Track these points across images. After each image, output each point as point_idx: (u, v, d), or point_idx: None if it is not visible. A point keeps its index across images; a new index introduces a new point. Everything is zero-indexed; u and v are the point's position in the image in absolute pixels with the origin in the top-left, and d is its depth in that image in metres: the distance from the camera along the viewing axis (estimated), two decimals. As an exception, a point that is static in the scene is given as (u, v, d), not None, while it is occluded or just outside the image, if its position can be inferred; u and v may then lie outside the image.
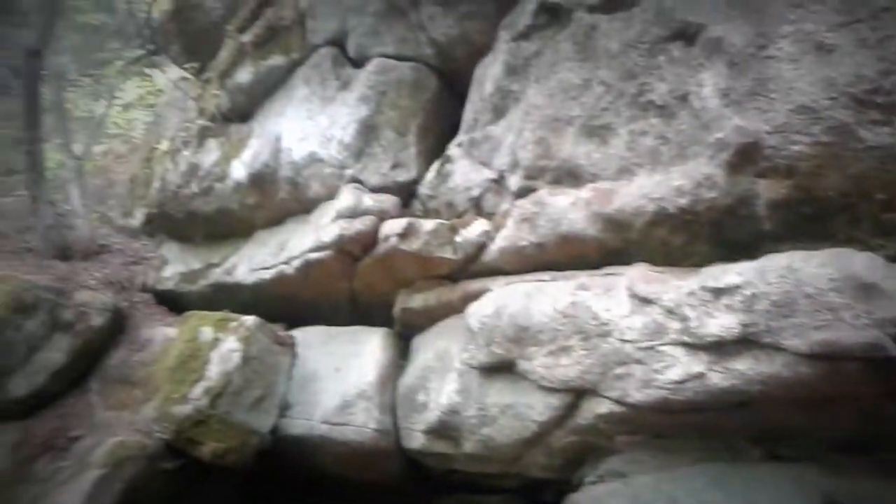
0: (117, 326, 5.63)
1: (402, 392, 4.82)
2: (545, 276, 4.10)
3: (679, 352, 3.35)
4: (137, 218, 6.93)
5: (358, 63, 5.47)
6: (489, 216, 4.56)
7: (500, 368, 4.08)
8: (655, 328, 3.42)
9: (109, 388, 5.32)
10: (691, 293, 3.35)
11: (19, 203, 7.02)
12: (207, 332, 5.21)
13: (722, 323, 3.20)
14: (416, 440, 4.62)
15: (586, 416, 3.71)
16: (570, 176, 4.08)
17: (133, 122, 9.13)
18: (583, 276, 3.87)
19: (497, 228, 4.41)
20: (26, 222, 6.61)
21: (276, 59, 5.80)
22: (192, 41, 6.78)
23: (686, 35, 3.66)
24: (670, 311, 3.39)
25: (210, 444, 4.80)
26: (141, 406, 5.08)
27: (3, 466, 4.89)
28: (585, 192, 3.94)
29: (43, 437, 4.94)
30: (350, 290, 5.29)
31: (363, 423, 4.77)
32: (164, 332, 5.57)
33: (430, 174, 5.04)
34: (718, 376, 3.21)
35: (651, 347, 3.42)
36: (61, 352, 5.30)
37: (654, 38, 3.78)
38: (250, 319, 5.23)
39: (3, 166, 9.08)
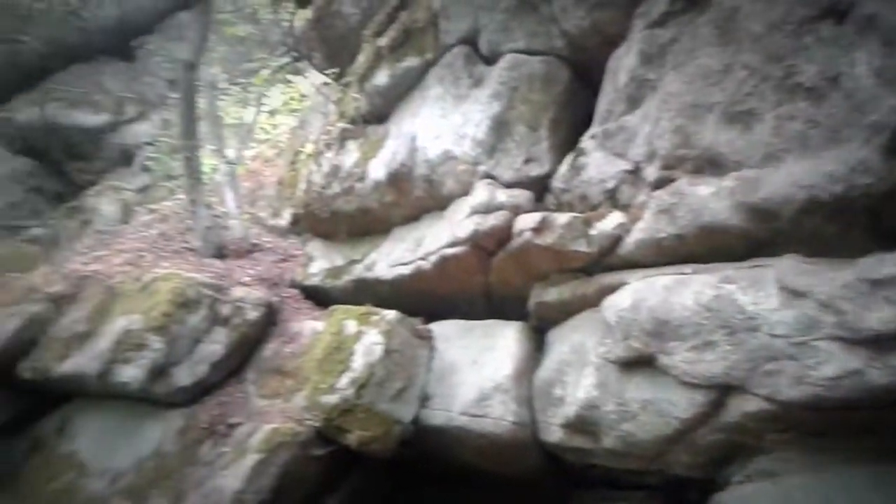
0: (270, 320, 6.01)
1: (539, 385, 4.84)
2: (686, 268, 3.99)
3: (834, 347, 3.18)
4: (285, 218, 7.34)
5: (490, 60, 5.53)
6: (624, 208, 4.48)
7: (639, 363, 4.01)
8: (808, 322, 3.25)
9: (264, 377, 5.69)
10: (846, 285, 3.16)
11: (179, 206, 7.62)
12: (351, 326, 5.46)
13: (881, 316, 3.00)
14: (553, 434, 4.62)
15: (733, 413, 3.58)
16: (711, 165, 3.94)
17: (279, 127, 9.64)
18: (728, 269, 3.74)
19: (633, 220, 4.33)
20: (186, 224, 7.17)
21: (411, 61, 5.96)
22: (332, 47, 7.11)
23: (835, 13, 3.45)
24: (824, 305, 3.21)
25: (356, 433, 5.03)
26: (292, 395, 5.40)
27: (172, 450, 5.36)
28: (728, 181, 3.79)
29: (206, 424, 5.36)
30: (485, 284, 5.36)
31: (500, 416, 4.83)
32: (312, 326, 5.89)
33: (563, 167, 5.01)
34: (877, 373, 3.03)
35: (804, 342, 3.26)
36: (221, 344, 5.73)
37: (801, 17, 3.58)
38: (391, 314, 5.43)
39: (163, 172, 9.91)
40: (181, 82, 6.96)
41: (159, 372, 5.49)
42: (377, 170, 5.93)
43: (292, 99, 9.47)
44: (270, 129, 9.54)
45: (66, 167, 11.84)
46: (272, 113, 9.65)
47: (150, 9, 9.94)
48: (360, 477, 5.49)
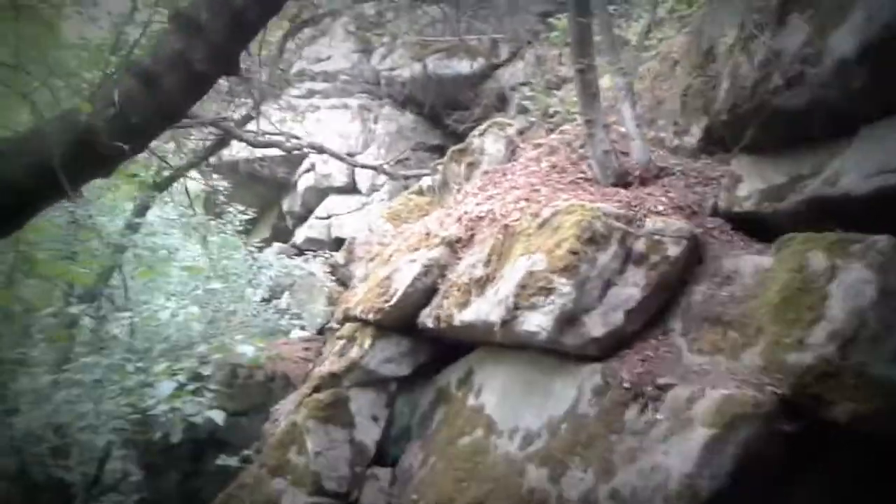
0: (694, 256, 4.78)
1: None
2: None
3: None
4: (693, 134, 6.01)
5: None
6: None
7: None
8: None
9: (695, 328, 4.50)
10: None
11: (568, 138, 6.75)
12: (819, 259, 3.97)
13: None
14: None
15: None
16: None
17: (664, 41, 8.26)
18: None
19: None
20: (578, 154, 6.26)
21: None
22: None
23: None
24: None
25: (844, 404, 3.61)
26: (740, 351, 4.12)
27: (589, 412, 4.48)
28: None
29: (628, 383, 4.36)
30: None
31: None
32: (755, 262, 4.51)
33: None
34: None
35: None
36: (636, 286, 4.68)
37: None
38: (882, 240, 3.82)
39: (541, 111, 9.20)
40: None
41: (568, 320, 4.63)
42: (844, 43, 4.25)
43: (680, 2, 8.01)
44: (656, 43, 8.19)
45: (446, 119, 11.96)
46: (656, 25, 8.30)
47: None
48: (838, 460, 4.03)
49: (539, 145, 7.13)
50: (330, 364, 6.39)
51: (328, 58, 13.40)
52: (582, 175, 5.88)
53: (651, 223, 4.84)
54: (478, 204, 6.36)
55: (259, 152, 13.24)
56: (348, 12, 12.17)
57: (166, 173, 9.54)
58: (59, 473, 5.14)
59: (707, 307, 4.50)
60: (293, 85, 12.71)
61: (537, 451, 4.63)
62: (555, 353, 4.90)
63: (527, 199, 5.63)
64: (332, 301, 9.46)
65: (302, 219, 13.88)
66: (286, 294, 10.65)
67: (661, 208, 5.07)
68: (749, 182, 5.18)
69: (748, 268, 4.52)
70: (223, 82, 10.29)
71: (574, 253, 4.65)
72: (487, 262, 5.47)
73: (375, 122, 12.78)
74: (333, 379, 6.19)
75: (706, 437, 3.65)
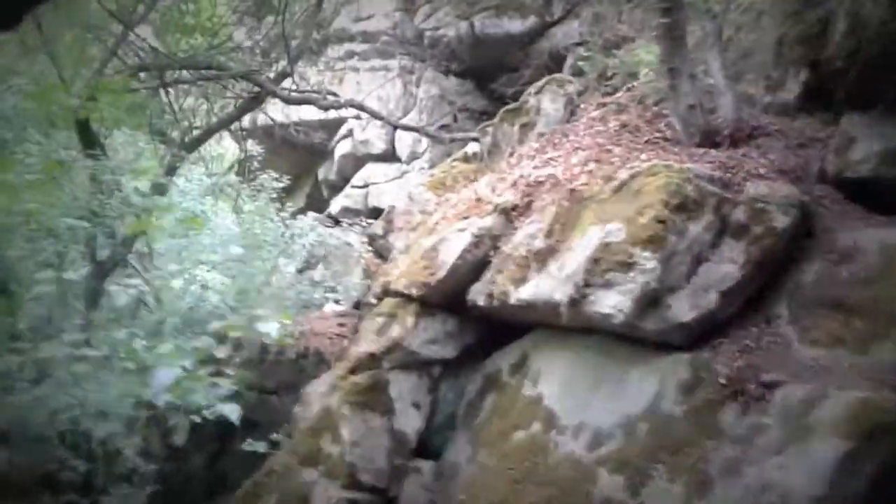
0: (804, 229, 4.03)
1: None
2: None
3: None
4: (789, 90, 5.18)
5: None
6: None
7: None
8: None
9: (807, 314, 3.76)
10: None
11: (638, 94, 5.97)
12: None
13: None
14: None
15: None
16: None
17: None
18: None
19: None
20: (653, 112, 5.49)
21: None
22: None
23: None
24: None
25: None
26: (869, 344, 3.38)
27: (676, 411, 3.78)
28: None
29: (724, 378, 3.65)
30: None
31: None
32: (879, 237, 3.76)
33: None
34: None
35: None
36: (734, 263, 3.96)
37: None
38: None
39: (597, 72, 8.36)
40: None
41: (651, 300, 3.93)
42: None
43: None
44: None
45: (492, 83, 11.16)
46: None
47: None
48: None
49: (603, 104, 6.36)
50: (368, 343, 5.75)
51: (368, 17, 12.63)
52: (660, 134, 5.11)
53: (753, 188, 4.08)
54: (535, 167, 5.63)
55: (295, 116, 12.64)
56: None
57: (196, 133, 8.93)
58: (68, 462, 4.64)
59: (822, 290, 3.76)
60: (331, 44, 12.00)
61: (610, 455, 3.95)
62: (629, 338, 4.21)
63: (596, 161, 4.90)
64: (368, 274, 8.83)
65: (338, 188, 13.25)
66: (320, 265, 10.06)
67: (762, 171, 4.28)
68: (864, 143, 4.38)
69: (871, 244, 3.76)
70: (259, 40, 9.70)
71: (661, 222, 3.91)
72: (549, 233, 4.76)
73: (417, 85, 12.01)
74: (372, 360, 5.56)
75: (840, 451, 2.93)
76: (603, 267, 4.04)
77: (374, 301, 7.05)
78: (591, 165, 4.86)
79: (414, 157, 11.82)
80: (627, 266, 3.92)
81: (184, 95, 9.09)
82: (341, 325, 8.62)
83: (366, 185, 12.40)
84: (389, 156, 12.22)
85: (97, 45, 8.15)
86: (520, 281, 4.82)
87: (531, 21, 10.57)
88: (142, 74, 7.84)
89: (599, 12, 9.94)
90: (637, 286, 3.89)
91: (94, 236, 6.32)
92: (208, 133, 9.07)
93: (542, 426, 4.53)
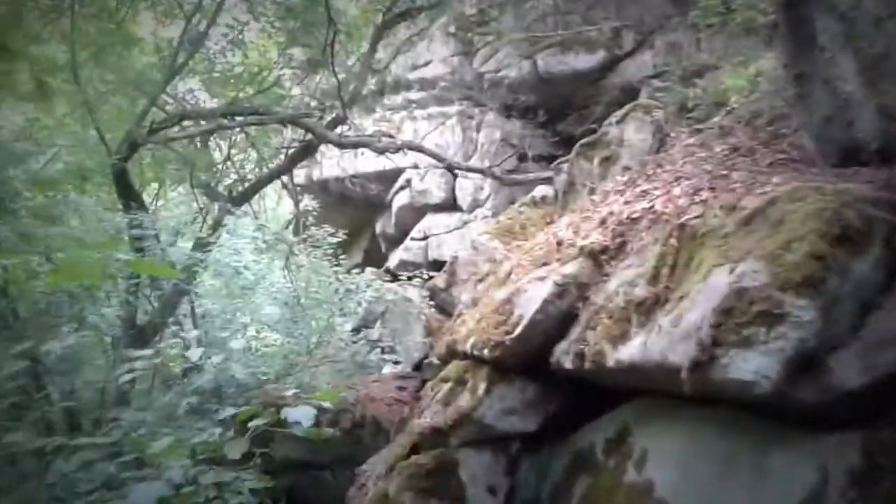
0: None
1: None
2: None
3: None
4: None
5: None
6: None
7: None
8: None
9: None
10: None
11: (747, 112, 5.08)
12: None
13: None
14: None
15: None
16: None
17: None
18: None
19: None
20: (769, 132, 4.58)
21: None
22: None
23: None
24: None
25: None
26: None
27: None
28: None
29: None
30: None
31: None
32: None
33: None
34: None
35: None
36: None
37: None
38: None
39: (678, 104, 7.50)
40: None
41: (807, 362, 2.96)
42: None
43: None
44: None
45: (561, 122, 10.41)
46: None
47: None
48: None
49: (698, 130, 5.49)
50: (432, 415, 4.88)
51: (426, 64, 12.11)
52: (784, 155, 4.18)
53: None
54: (627, 203, 4.77)
55: (351, 169, 12.15)
56: (448, 12, 10.88)
57: (246, 185, 8.40)
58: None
59: None
60: (387, 93, 11.51)
61: (761, 569, 2.95)
62: (769, 411, 3.24)
63: (710, 189, 3.99)
64: (431, 331, 8.04)
65: (396, 241, 12.61)
66: (378, 323, 9.29)
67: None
68: None
69: None
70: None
71: (818, 258, 2.97)
72: (654, 278, 3.86)
73: (477, 130, 11.35)
74: (437, 436, 4.69)
75: None
76: (738, 319, 3.09)
77: (437, 362, 6.23)
78: (704, 194, 3.96)
79: (476, 205, 11.08)
80: (774, 318, 2.97)
81: (231, 147, 8.63)
82: (401, 388, 7.81)
83: (426, 237, 11.70)
84: (450, 205, 11.52)
85: (141, 97, 7.78)
86: (619, 338, 3.91)
87: (600, 56, 9.84)
88: (185, 122, 7.38)
89: (675, 41, 9.17)
90: (788, 344, 2.94)
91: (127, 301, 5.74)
92: (258, 185, 8.53)
93: (657, 523, 3.55)
